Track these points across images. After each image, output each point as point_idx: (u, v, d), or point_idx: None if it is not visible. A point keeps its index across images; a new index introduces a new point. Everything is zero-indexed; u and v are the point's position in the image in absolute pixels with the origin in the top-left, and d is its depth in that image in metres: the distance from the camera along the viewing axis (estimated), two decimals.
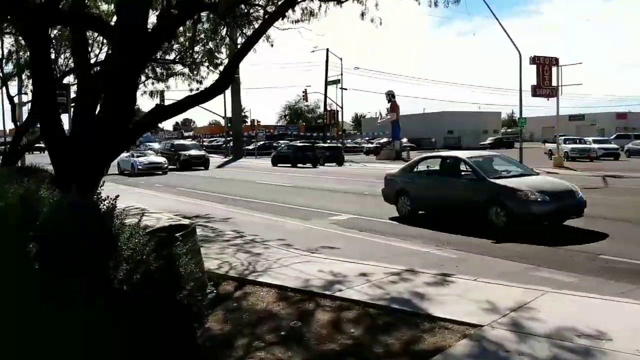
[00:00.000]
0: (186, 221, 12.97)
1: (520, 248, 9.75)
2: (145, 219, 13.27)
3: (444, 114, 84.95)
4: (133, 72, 6.23)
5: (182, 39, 13.38)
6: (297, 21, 12.76)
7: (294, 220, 13.68)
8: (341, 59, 56.33)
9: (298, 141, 52.77)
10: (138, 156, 34.53)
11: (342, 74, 55.21)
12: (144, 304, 3.08)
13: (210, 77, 16.37)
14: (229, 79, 7.09)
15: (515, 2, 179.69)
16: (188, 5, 6.93)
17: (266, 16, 9.19)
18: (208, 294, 6.92)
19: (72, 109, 14.12)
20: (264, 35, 14.07)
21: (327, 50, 54.62)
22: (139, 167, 32.57)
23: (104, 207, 4.11)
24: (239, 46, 10.59)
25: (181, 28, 12.76)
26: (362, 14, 10.30)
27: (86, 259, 3.01)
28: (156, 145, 50.21)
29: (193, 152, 38.63)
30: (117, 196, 5.05)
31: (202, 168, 35.33)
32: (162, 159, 35.18)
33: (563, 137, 47.09)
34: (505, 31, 34.80)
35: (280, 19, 10.78)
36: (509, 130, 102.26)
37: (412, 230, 11.87)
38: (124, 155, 32.35)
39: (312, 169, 39.35)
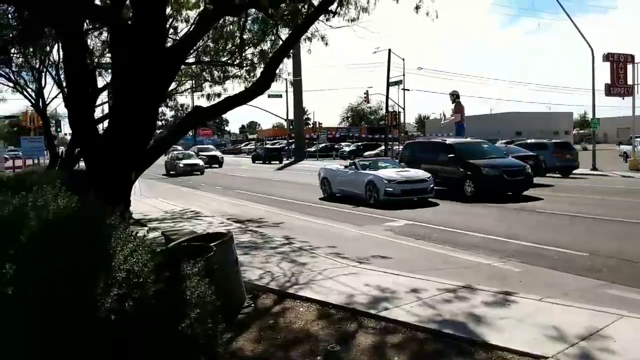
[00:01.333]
0: (236, 226, 12.77)
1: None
2: (197, 222, 13.31)
3: (511, 115, 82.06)
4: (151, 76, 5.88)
5: (231, 41, 13.12)
6: (352, 20, 12.27)
7: (347, 226, 13.13)
8: (403, 60, 54.99)
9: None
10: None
11: (404, 75, 54.12)
12: (135, 335, 2.64)
13: None
14: (269, 80, 6.67)
15: None
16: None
17: (305, 14, 8.70)
18: (245, 308, 6.51)
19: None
20: (319, 35, 13.75)
21: (389, 50, 53.59)
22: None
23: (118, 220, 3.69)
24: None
25: (230, 28, 12.51)
26: (417, 7, 9.65)
27: (65, 282, 2.60)
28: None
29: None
30: (128, 206, 4.68)
31: (199, 173, 36.27)
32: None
33: (638, 139, 44.38)
34: (576, 26, 32.99)
35: (326, 16, 10.33)
36: (582, 131, 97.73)
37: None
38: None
39: None
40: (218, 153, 50.66)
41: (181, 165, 36.00)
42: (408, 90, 55.38)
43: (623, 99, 33.93)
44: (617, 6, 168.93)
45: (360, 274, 7.86)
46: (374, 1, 10.95)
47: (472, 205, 16.47)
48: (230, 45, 13.70)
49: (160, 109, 18.53)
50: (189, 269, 3.55)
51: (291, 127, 63.26)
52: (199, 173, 35.39)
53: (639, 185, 23.05)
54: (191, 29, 6.38)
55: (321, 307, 6.30)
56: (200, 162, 37.85)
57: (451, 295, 6.62)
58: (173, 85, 17.39)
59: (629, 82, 33.10)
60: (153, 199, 19.69)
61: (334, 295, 6.71)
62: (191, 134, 67.57)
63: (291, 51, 17.13)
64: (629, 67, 33.10)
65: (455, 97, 54.11)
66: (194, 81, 20.12)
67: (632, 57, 33.40)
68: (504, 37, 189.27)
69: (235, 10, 8.47)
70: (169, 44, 6.06)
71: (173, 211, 15.81)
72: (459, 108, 53.58)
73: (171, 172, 36.29)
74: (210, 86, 18.83)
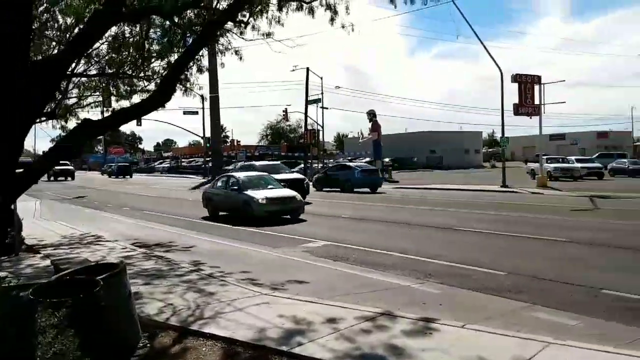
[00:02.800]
0: (140, 251, 11.78)
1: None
2: (96, 249, 12.17)
3: (425, 134, 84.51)
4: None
5: (135, 52, 12.24)
6: (267, 34, 11.77)
7: (263, 248, 12.45)
8: (321, 78, 55.18)
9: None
10: None
11: (322, 93, 54.29)
12: None
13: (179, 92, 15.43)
14: (169, 90, 5.97)
15: (498, 22, 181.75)
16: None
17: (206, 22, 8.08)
18: (140, 349, 5.68)
19: None
20: (232, 49, 13.14)
21: (307, 69, 53.71)
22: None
23: None
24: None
25: (136, 38, 11.68)
26: (332, 19, 9.28)
27: None
28: None
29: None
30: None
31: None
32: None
33: (545, 157, 46.72)
34: (486, 49, 34.25)
35: (239, 28, 9.79)
36: (490, 149, 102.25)
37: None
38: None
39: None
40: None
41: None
42: (327, 108, 55.65)
43: (530, 118, 35.42)
44: (526, 32, 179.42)
45: (274, 303, 7.21)
46: (286, 12, 10.44)
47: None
48: (135, 57, 12.80)
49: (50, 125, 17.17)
50: (45, 320, 2.80)
51: (208, 144, 61.74)
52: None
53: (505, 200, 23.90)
54: (74, 37, 5.60)
55: (227, 346, 5.60)
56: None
57: (370, 325, 6.11)
58: (74, 100, 16.13)
59: (536, 102, 34.61)
60: (52, 221, 18.13)
61: (243, 330, 6.03)
62: (102, 152, 64.65)
63: (206, 66, 16.42)
64: (536, 87, 34.63)
65: (372, 115, 54.87)
66: (100, 95, 18.85)
67: (539, 78, 35.00)
68: (420, 59, 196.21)
69: (133, 17, 7.71)
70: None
71: (72, 235, 14.50)
72: (375, 127, 54.38)
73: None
74: (117, 100, 17.68)
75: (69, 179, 57.56)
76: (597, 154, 62.10)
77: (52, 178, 54.40)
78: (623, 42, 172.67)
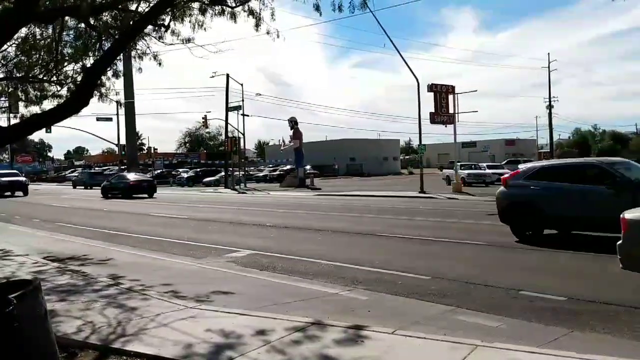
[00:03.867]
0: (53, 266, 11.11)
1: None
2: (4, 264, 11.36)
3: (346, 141, 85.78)
4: None
5: (47, 55, 11.56)
6: (188, 40, 11.47)
7: (185, 259, 12.08)
8: (242, 85, 54.70)
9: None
10: None
11: (243, 100, 53.81)
12: None
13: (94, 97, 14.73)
14: (84, 95, 5.61)
15: (415, 34, 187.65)
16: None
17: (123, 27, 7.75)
18: None
19: None
20: (151, 53, 12.71)
21: (228, 75, 53.12)
22: None
23: None
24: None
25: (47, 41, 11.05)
26: (257, 25, 9.15)
27: None
28: None
29: None
30: None
31: None
32: None
33: (459, 163, 48.56)
34: (404, 60, 35.23)
35: (158, 32, 9.47)
36: (407, 157, 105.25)
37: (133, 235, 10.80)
38: None
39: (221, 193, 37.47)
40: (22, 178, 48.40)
41: None
42: (247, 115, 55.18)
43: (446, 126, 36.74)
44: (440, 43, 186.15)
45: (201, 316, 6.96)
46: (210, 16, 10.21)
47: None
48: (46, 60, 12.08)
49: None
50: None
51: (123, 152, 59.61)
52: None
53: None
54: None
55: None
56: None
57: (301, 335, 6.01)
58: None
59: (451, 111, 35.94)
60: None
61: (169, 346, 5.76)
62: (7, 160, 60.89)
63: (122, 70, 15.77)
64: (450, 97, 35.97)
65: (293, 123, 55.02)
66: (6, 100, 17.71)
67: (453, 88, 36.40)
68: (339, 67, 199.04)
69: (47, 18, 7.25)
70: None
71: None
72: (297, 134, 54.55)
73: None
74: (26, 106, 16.66)
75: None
76: (505, 161, 65.50)
77: None
78: (529, 55, 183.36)
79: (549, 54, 78.50)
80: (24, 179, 47.43)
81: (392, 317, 6.95)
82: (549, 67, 71.90)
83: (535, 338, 6.03)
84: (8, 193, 42.76)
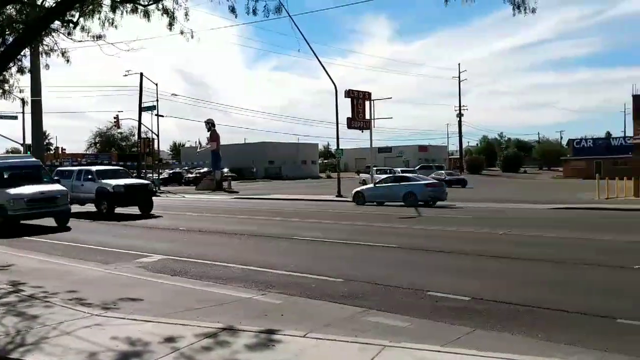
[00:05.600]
0: None
1: None
2: None
3: (265, 144, 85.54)
4: None
5: None
6: (98, 37, 11.05)
7: (93, 265, 11.59)
8: (157, 85, 53.13)
9: None
10: None
11: (157, 100, 52.33)
12: None
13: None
14: None
15: (334, 40, 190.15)
16: None
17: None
18: None
19: None
20: (59, 50, 12.13)
21: (141, 74, 51.53)
22: None
23: None
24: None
25: None
26: (171, 24, 8.97)
27: None
28: None
29: None
30: None
31: None
32: None
33: (375, 168, 49.84)
34: (321, 64, 35.62)
35: (66, 28, 9.10)
36: (326, 161, 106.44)
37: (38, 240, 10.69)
38: None
39: None
40: None
41: None
42: (162, 116, 53.74)
43: (362, 132, 37.47)
44: (359, 50, 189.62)
45: (106, 324, 6.70)
46: (121, 14, 9.89)
47: None
48: None
49: None
50: None
51: (29, 152, 56.41)
52: None
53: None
54: None
55: None
56: None
57: (211, 342, 5.93)
58: None
59: (367, 116, 36.72)
60: None
61: (72, 355, 5.50)
62: None
63: (28, 67, 14.95)
64: (367, 103, 36.75)
65: (210, 125, 54.20)
66: None
67: (369, 94, 37.20)
68: (258, 70, 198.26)
69: None
70: None
71: None
72: (214, 136, 53.79)
73: None
74: None
75: None
76: (419, 166, 67.75)
77: None
78: (441, 64, 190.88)
79: (459, 64, 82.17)
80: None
81: (305, 320, 6.99)
82: (459, 77, 75.30)
83: (441, 337, 6.26)
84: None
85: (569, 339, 6.15)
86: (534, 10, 8.27)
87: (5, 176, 19.45)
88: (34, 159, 22.07)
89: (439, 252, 12.67)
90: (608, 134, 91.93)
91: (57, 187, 19.64)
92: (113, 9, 10.34)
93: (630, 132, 49.04)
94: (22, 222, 18.75)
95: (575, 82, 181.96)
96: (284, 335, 6.11)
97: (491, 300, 8.03)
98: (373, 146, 40.45)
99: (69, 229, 18.65)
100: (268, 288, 9.10)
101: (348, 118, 35.98)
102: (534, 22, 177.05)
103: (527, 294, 8.40)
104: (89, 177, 24.46)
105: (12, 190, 18.00)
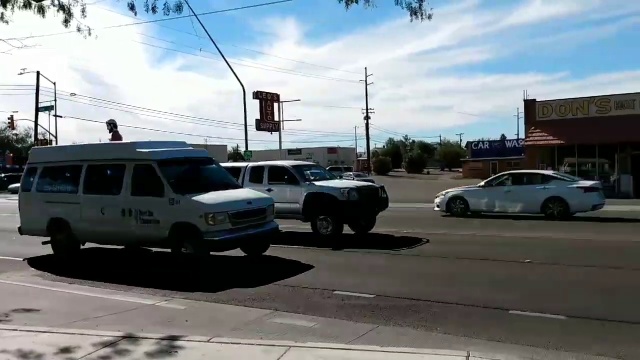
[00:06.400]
0: None
1: None
2: None
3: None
4: None
5: None
6: None
7: None
8: (55, 84, 50.54)
9: None
10: None
11: (55, 100, 49.78)
12: None
13: None
14: None
15: (242, 41, 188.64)
16: None
17: None
18: None
19: None
20: None
21: (38, 72, 48.80)
22: None
23: None
24: None
25: None
26: (66, 21, 8.56)
27: None
28: None
29: None
30: None
31: None
32: None
33: None
34: (229, 65, 35.28)
35: None
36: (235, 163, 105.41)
37: None
38: None
39: None
40: None
41: None
42: (61, 116, 51.08)
43: (271, 133, 37.53)
44: (268, 52, 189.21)
45: None
46: (12, 9, 9.31)
47: None
48: None
49: None
50: None
51: None
52: None
53: None
54: None
55: None
56: None
57: (110, 351, 5.71)
58: None
59: (276, 118, 36.80)
60: None
61: None
62: None
63: None
64: (275, 105, 36.84)
65: (112, 126, 51.93)
66: None
67: (278, 96, 37.30)
68: (163, 69, 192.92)
69: None
70: None
71: None
72: (116, 137, 51.71)
73: None
74: None
75: None
76: (328, 168, 68.51)
77: None
78: (349, 68, 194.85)
79: (365, 67, 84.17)
80: None
81: (210, 325, 6.91)
82: (365, 80, 76.98)
83: (346, 335, 6.39)
84: None
85: (466, 331, 6.47)
86: (430, 17, 8.62)
87: (185, 174, 11.99)
88: (200, 149, 15.16)
89: (352, 252, 12.89)
90: (503, 136, 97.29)
91: (256, 193, 12.50)
92: (3, 3, 9.72)
93: (522, 135, 52.40)
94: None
95: (474, 87, 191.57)
96: (188, 341, 6.00)
97: (395, 297, 8.29)
98: (283, 148, 40.57)
99: None
100: (172, 294, 8.87)
101: (257, 120, 35.92)
102: (436, 29, 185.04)
103: (427, 290, 8.73)
104: (285, 177, 15.80)
105: (206, 198, 10.81)
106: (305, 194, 15.15)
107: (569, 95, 54.86)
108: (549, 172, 22.44)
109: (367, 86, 77.52)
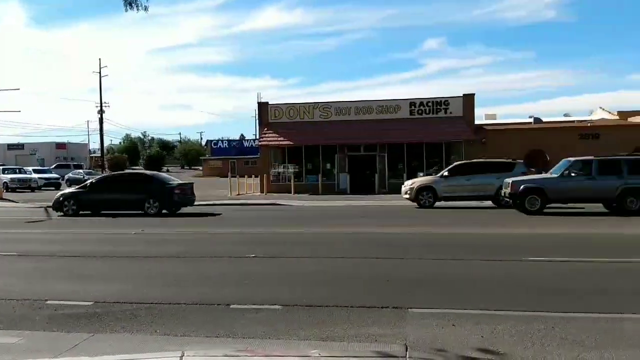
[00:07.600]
0: None
1: None
2: None
3: None
4: None
5: None
6: None
7: None
8: None
9: None
10: None
11: None
12: None
13: None
14: None
15: None
16: None
17: None
18: None
19: None
20: None
21: None
22: None
23: None
24: None
25: None
26: None
27: None
28: None
29: None
30: None
31: None
32: None
33: (2, 167, 44.90)
34: None
35: None
36: None
37: None
38: None
39: None
40: None
41: None
42: None
43: None
44: None
45: None
46: None
47: None
48: None
49: None
50: None
51: None
52: None
53: None
54: None
55: None
56: None
57: None
58: None
59: None
60: None
61: None
62: None
63: None
64: None
65: None
66: None
67: None
68: None
69: None
70: None
71: None
72: None
73: None
74: None
75: None
76: (55, 165, 63.00)
77: None
78: (83, 58, 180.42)
79: (100, 59, 78.75)
80: None
81: None
82: (100, 72, 72.06)
83: (56, 347, 5.85)
84: None
85: (186, 330, 6.47)
86: (146, 8, 8.42)
87: None
88: None
89: (63, 257, 11.93)
90: (242, 136, 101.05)
91: None
92: None
93: (259, 135, 54.94)
94: None
95: (214, 87, 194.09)
96: None
97: (115, 302, 7.88)
98: (2, 142, 35.86)
99: None
100: None
101: None
102: (176, 25, 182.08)
103: (150, 292, 8.50)
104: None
105: None
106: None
107: (302, 100, 59.40)
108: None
109: (102, 78, 72.67)
